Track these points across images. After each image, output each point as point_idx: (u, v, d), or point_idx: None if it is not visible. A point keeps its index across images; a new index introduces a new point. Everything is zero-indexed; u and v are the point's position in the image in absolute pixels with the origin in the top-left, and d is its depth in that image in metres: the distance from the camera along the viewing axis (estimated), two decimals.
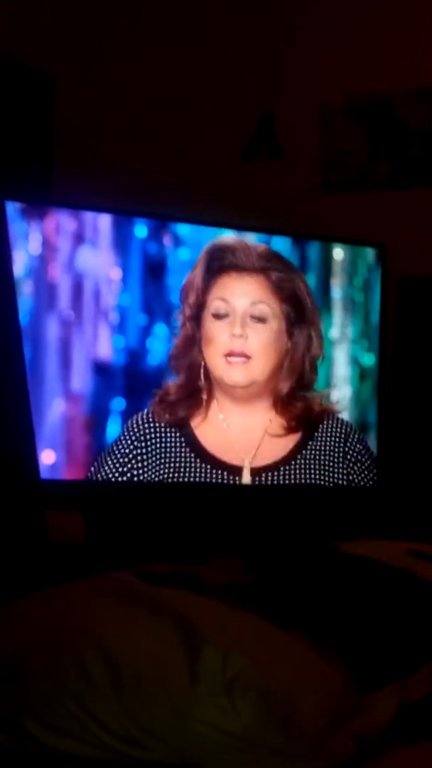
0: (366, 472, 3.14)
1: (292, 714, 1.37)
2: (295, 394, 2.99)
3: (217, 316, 2.90)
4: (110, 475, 2.88)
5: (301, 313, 2.97)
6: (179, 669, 1.39)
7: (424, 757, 1.44)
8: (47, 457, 2.82)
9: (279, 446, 3.03)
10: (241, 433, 2.99)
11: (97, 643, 1.45)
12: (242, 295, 2.91)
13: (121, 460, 2.89)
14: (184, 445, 2.95)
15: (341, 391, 3.13)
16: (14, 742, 1.44)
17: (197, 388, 2.94)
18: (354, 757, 1.39)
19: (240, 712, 1.35)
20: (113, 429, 2.91)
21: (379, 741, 1.45)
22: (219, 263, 2.92)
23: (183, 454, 2.94)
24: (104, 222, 2.93)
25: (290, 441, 3.04)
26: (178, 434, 2.94)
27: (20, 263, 2.82)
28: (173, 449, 2.94)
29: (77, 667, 1.43)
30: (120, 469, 2.89)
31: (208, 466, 2.96)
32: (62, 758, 1.41)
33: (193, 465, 2.95)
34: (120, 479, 2.88)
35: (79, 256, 2.90)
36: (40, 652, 1.48)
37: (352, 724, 1.42)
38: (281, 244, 3.06)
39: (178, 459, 2.94)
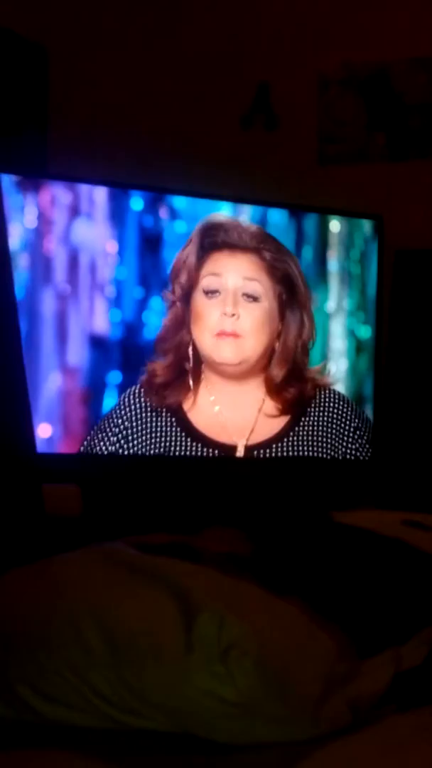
0: (362, 445, 3.14)
1: (289, 680, 1.37)
2: (289, 381, 2.98)
3: (209, 293, 2.88)
4: (103, 451, 2.88)
5: (293, 295, 2.95)
6: (175, 637, 1.39)
7: (419, 724, 1.45)
8: (44, 431, 2.83)
9: (273, 424, 3.03)
10: (234, 414, 2.98)
11: (92, 612, 1.45)
12: (235, 271, 2.89)
13: (111, 438, 2.89)
14: (176, 426, 2.94)
15: (337, 363, 3.13)
16: (11, 711, 1.44)
17: (184, 370, 2.92)
18: (350, 724, 1.40)
19: (236, 678, 1.36)
20: (110, 402, 2.91)
21: (374, 708, 1.46)
22: (211, 240, 2.90)
23: (175, 435, 2.94)
24: (100, 195, 2.92)
25: (285, 419, 3.04)
26: (168, 415, 2.93)
27: (16, 236, 2.81)
28: (165, 429, 2.93)
29: (73, 636, 1.44)
30: (110, 448, 2.88)
31: (200, 445, 2.96)
32: (59, 727, 1.42)
33: (185, 444, 2.95)
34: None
35: (75, 229, 2.89)
36: (36, 622, 1.48)
37: (347, 690, 1.43)
38: (278, 216, 3.05)
39: (170, 439, 2.93)
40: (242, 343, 2.89)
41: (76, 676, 1.42)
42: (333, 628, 1.49)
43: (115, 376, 2.92)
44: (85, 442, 2.88)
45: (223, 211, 2.99)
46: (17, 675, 1.44)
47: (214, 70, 3.52)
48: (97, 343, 2.90)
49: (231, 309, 2.86)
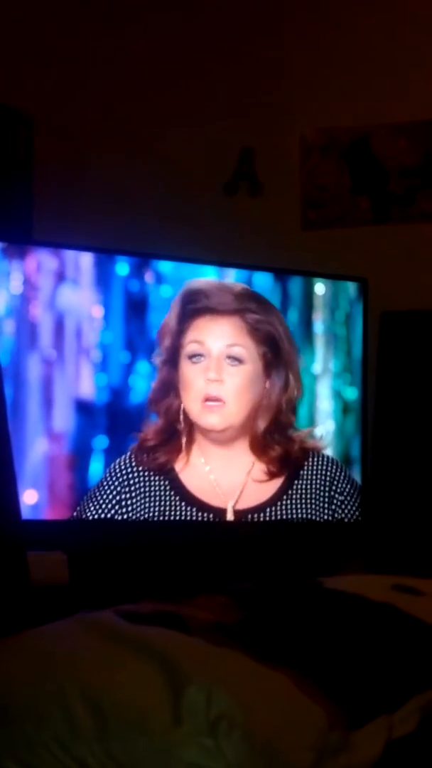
0: (352, 509, 3.13)
1: (278, 752, 1.35)
2: (273, 435, 2.97)
3: (193, 359, 2.88)
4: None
5: (278, 354, 2.96)
6: (163, 710, 1.37)
7: None
8: (30, 497, 2.81)
9: (263, 489, 3.02)
10: (224, 477, 2.98)
11: (79, 685, 1.43)
12: (218, 337, 2.90)
13: (104, 506, 2.87)
14: (168, 488, 2.93)
15: (325, 425, 3.13)
16: None
17: (177, 432, 2.92)
18: None
19: (225, 751, 1.34)
20: (96, 468, 2.90)
21: None
22: (192, 307, 2.91)
23: (167, 498, 2.93)
24: (85, 260, 2.93)
25: (275, 484, 3.03)
26: (161, 478, 2.93)
27: (1, 303, 2.82)
28: (157, 493, 2.92)
29: (60, 709, 1.42)
30: (103, 516, 2.87)
31: (193, 509, 2.95)
32: None
33: (177, 508, 2.93)
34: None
35: (61, 294, 2.90)
36: (23, 694, 1.46)
37: (338, 760, 1.41)
38: (263, 280, 3.07)
39: (162, 503, 2.92)
40: (227, 409, 2.89)
41: (62, 750, 1.39)
42: (323, 697, 1.47)
43: (101, 441, 2.91)
44: (76, 513, 2.86)
45: (208, 276, 3.00)
46: (5, 749, 1.42)
47: (197, 136, 3.56)
48: (83, 408, 2.90)
49: (214, 374, 2.86)
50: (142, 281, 2.99)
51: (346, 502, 3.10)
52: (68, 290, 2.91)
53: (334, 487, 3.08)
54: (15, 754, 1.41)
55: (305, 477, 3.05)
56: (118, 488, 2.88)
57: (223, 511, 2.97)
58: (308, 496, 3.05)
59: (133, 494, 2.89)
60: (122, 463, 2.90)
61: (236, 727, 1.35)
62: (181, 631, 1.58)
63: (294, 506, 3.03)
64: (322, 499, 3.07)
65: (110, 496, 2.87)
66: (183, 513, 2.93)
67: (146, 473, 2.91)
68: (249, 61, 3.56)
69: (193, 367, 2.88)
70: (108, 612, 1.68)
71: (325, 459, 3.08)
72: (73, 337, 2.90)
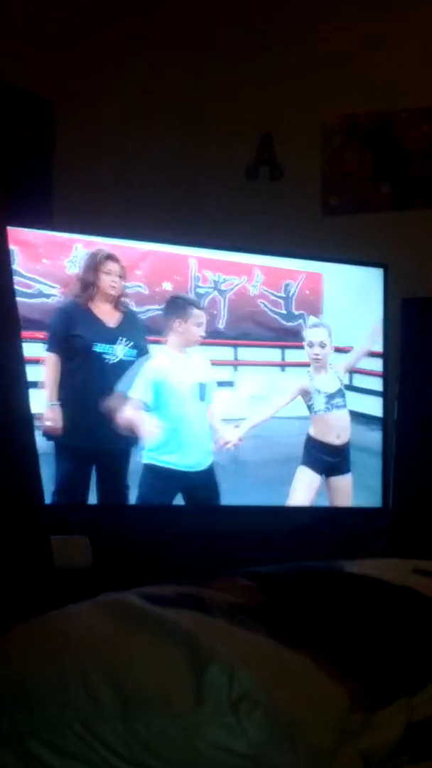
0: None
1: (300, 732, 1.36)
2: None
3: None
4: None
5: None
6: (185, 689, 1.38)
7: None
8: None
9: None
10: None
11: (102, 665, 1.44)
12: None
13: None
14: None
15: None
16: (22, 765, 1.43)
17: None
18: None
19: (247, 731, 1.34)
20: None
21: (387, 759, 1.44)
22: None
23: None
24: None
25: None
26: None
27: None
28: None
29: (83, 690, 1.43)
30: None
31: None
32: None
33: None
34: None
35: None
36: (46, 675, 1.47)
37: (360, 742, 1.41)
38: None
39: None
40: None
41: (85, 730, 1.40)
42: (344, 679, 1.48)
43: None
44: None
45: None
46: (27, 728, 1.43)
47: (218, 122, 3.56)
48: None
49: None
50: None
51: None
52: None
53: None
54: (38, 734, 1.42)
55: None
56: None
57: None
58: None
59: None
60: None
61: (258, 707, 1.36)
62: (203, 612, 1.58)
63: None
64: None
65: None
66: None
67: None
68: (270, 47, 3.55)
69: None
70: (130, 594, 1.69)
71: None
72: None
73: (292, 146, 3.53)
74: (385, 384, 3.20)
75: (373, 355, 3.16)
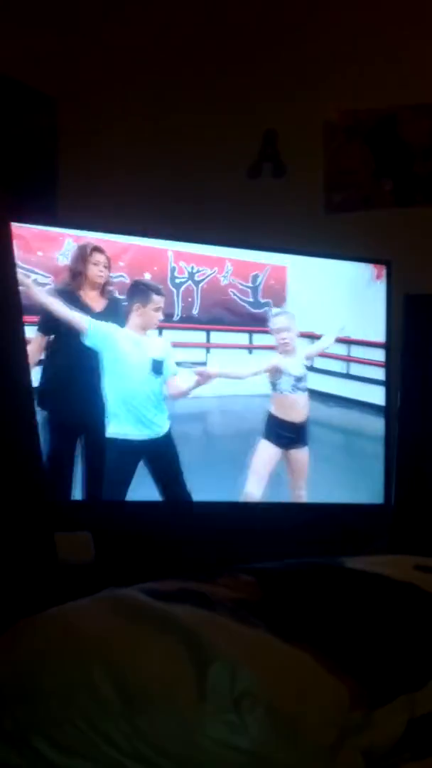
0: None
1: (301, 729, 1.37)
2: None
3: None
4: None
5: None
6: (187, 685, 1.39)
7: None
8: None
9: None
10: None
11: (105, 662, 1.45)
12: None
13: None
14: None
15: None
16: (26, 762, 1.43)
17: None
18: None
19: (249, 727, 1.35)
20: None
21: (388, 756, 1.45)
22: None
23: None
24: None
25: None
26: None
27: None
28: None
29: (86, 685, 1.43)
30: None
31: None
32: None
33: None
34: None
35: None
36: (49, 671, 1.48)
37: (361, 738, 1.42)
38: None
39: None
40: None
41: (89, 726, 1.41)
42: (346, 676, 1.48)
43: None
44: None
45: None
46: (31, 725, 1.44)
47: (221, 119, 3.56)
48: None
49: None
50: None
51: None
52: None
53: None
54: (41, 730, 1.43)
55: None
56: None
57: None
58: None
59: None
60: None
61: (260, 704, 1.36)
62: (206, 608, 1.59)
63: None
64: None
65: None
66: None
67: None
68: (272, 43, 3.54)
69: None
70: (133, 590, 1.69)
71: None
72: None
73: (295, 143, 3.53)
74: (388, 380, 3.21)
75: (372, 345, 3.17)
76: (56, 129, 3.50)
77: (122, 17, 3.64)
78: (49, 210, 3.39)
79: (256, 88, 3.54)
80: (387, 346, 3.22)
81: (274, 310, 2.92)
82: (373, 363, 3.19)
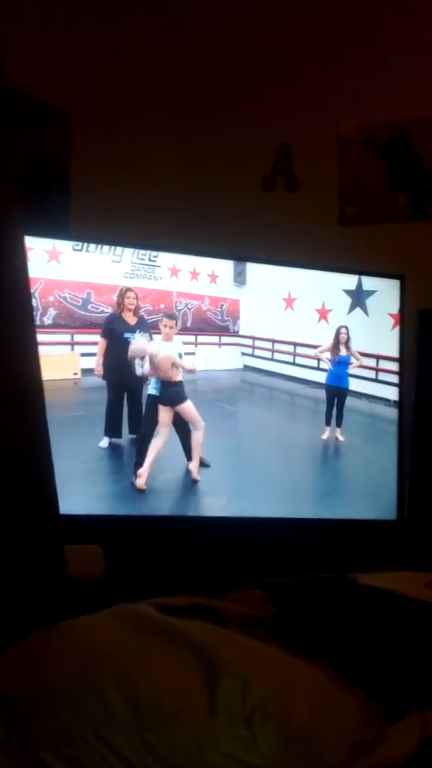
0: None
1: (313, 745, 1.35)
2: None
3: None
4: None
5: None
6: (199, 700, 1.38)
7: None
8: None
9: None
10: None
11: (116, 676, 1.44)
12: None
13: None
14: None
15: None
16: None
17: None
18: None
19: (260, 743, 1.34)
20: None
21: None
22: None
23: None
24: None
25: None
26: None
27: None
28: None
29: (97, 699, 1.42)
30: None
31: None
32: None
33: None
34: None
35: None
36: (60, 685, 1.47)
37: (373, 755, 1.40)
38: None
39: None
40: None
41: (99, 740, 1.40)
42: (358, 692, 1.47)
43: None
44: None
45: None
46: (41, 739, 1.43)
47: (235, 133, 3.56)
48: None
49: None
50: None
51: None
52: None
53: None
54: (51, 744, 1.41)
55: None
56: None
57: None
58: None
59: None
60: None
61: (271, 719, 1.35)
62: (217, 623, 1.58)
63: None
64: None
65: None
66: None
67: None
68: (287, 58, 3.55)
69: None
70: (144, 604, 1.69)
71: None
72: None
73: (308, 157, 3.53)
74: (401, 396, 3.19)
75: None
76: (69, 144, 3.51)
77: (137, 33, 3.65)
78: (61, 222, 3.40)
79: (270, 103, 3.54)
80: (400, 360, 3.21)
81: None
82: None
